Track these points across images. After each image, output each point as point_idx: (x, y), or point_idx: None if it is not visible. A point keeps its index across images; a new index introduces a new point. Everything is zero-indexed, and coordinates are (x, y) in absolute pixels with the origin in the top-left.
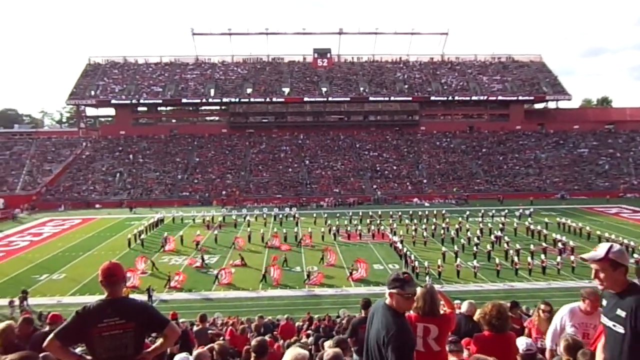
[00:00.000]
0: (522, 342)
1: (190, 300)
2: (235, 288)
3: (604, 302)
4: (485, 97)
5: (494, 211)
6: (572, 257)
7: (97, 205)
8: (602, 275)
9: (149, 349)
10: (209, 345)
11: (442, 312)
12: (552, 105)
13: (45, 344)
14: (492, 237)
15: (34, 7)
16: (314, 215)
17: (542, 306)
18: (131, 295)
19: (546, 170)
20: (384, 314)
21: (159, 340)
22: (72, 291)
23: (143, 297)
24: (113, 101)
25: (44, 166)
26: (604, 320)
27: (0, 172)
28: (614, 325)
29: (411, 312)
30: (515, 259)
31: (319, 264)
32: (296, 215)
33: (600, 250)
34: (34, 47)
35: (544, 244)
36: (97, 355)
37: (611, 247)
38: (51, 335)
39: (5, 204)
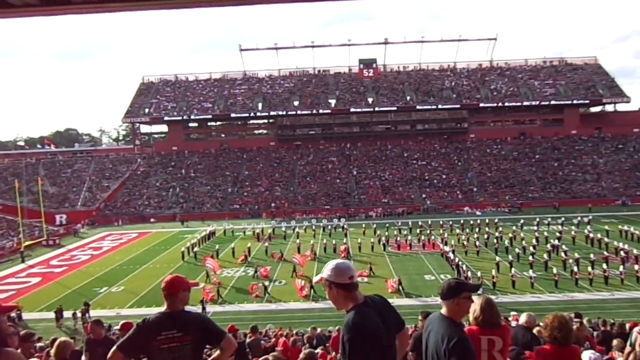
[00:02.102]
0: (586, 356)
1: (242, 312)
2: (285, 300)
3: None
4: (538, 102)
5: (549, 219)
6: (636, 267)
7: (152, 220)
8: None
9: None
10: (263, 357)
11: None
12: (609, 108)
13: (109, 355)
14: (549, 246)
15: (93, 31)
16: (363, 225)
17: None
18: (188, 307)
19: (605, 175)
20: (441, 324)
21: (216, 353)
22: (130, 303)
23: (197, 309)
24: (165, 118)
25: (103, 182)
26: None
27: (62, 189)
28: None
29: (469, 324)
30: (575, 268)
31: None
32: (345, 226)
33: None
34: (91, 69)
35: (605, 253)
36: None
37: None
38: (114, 348)
39: (68, 220)
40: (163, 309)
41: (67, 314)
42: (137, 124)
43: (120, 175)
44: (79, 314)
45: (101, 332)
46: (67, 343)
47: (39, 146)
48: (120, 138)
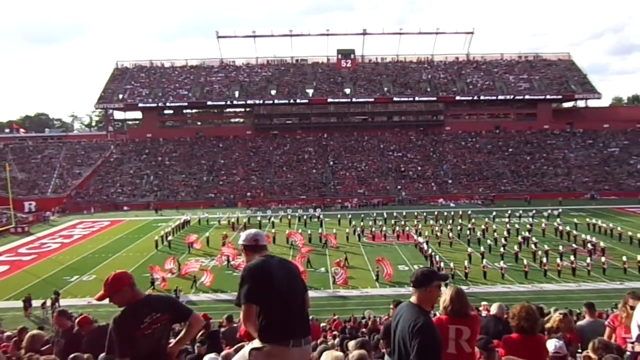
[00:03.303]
0: (551, 344)
1: (218, 301)
2: None
3: None
4: (512, 97)
5: (521, 212)
6: (603, 259)
7: (125, 208)
8: None
9: (177, 340)
10: (237, 346)
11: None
12: (581, 104)
13: None
14: (520, 238)
15: (65, 14)
16: (338, 216)
17: (631, 300)
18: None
19: (575, 170)
20: (409, 311)
21: (184, 330)
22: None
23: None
24: (140, 105)
25: (74, 169)
26: None
27: (32, 175)
28: None
29: (439, 314)
30: (544, 260)
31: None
32: (320, 216)
33: None
34: (64, 53)
35: (573, 245)
36: (137, 353)
37: None
38: None
39: (37, 207)
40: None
41: (36, 303)
42: (111, 110)
43: (93, 162)
44: (48, 303)
45: (66, 323)
46: (38, 336)
47: (7, 131)
48: (93, 124)
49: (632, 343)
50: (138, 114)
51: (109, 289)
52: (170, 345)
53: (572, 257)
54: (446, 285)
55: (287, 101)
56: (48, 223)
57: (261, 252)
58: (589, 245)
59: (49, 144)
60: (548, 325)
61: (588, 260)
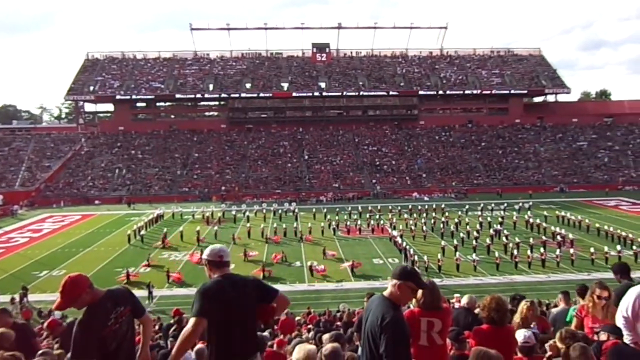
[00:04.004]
0: (520, 335)
1: (191, 295)
2: None
3: None
4: (485, 91)
5: (493, 205)
6: (572, 250)
7: (97, 202)
8: None
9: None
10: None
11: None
12: (551, 98)
13: None
14: (492, 230)
15: (33, 2)
16: (314, 210)
17: (598, 290)
18: (133, 291)
19: (545, 163)
20: (380, 304)
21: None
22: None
23: (143, 293)
24: (112, 97)
25: (43, 162)
26: None
27: None
28: None
29: (412, 306)
30: (515, 252)
31: (322, 259)
32: (296, 210)
33: None
34: (32, 43)
35: (543, 237)
36: (106, 349)
37: None
38: None
39: (4, 201)
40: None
41: (3, 298)
42: (81, 102)
43: (62, 155)
44: (17, 299)
45: (8, 321)
46: (5, 335)
47: None
48: (63, 116)
49: (597, 333)
50: (109, 107)
51: (68, 297)
52: (139, 355)
53: (541, 249)
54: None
55: (261, 94)
56: (16, 217)
57: (223, 269)
58: (558, 237)
59: (16, 136)
60: (517, 319)
61: (557, 252)
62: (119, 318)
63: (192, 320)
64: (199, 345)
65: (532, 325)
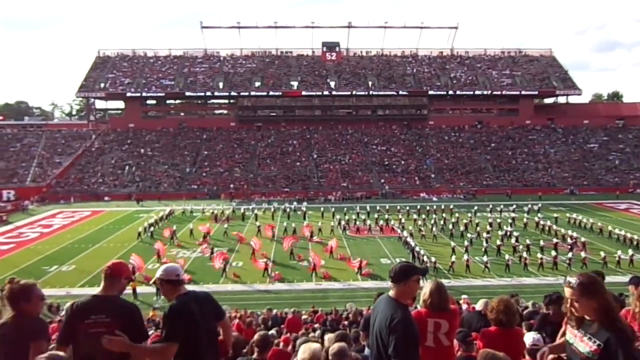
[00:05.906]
0: (529, 337)
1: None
2: (242, 281)
3: None
4: (495, 92)
5: (502, 206)
6: (583, 254)
7: (106, 198)
8: None
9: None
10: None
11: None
12: (562, 100)
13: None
14: (501, 232)
15: (46, 0)
16: (322, 209)
17: None
18: (140, 287)
19: (555, 165)
20: (387, 305)
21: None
22: (81, 283)
23: (151, 290)
24: (123, 94)
25: (54, 158)
26: None
27: (10, 164)
28: None
29: (420, 307)
30: (525, 254)
31: (328, 258)
32: (304, 209)
33: None
34: (45, 40)
35: (554, 240)
36: (79, 353)
37: None
38: (55, 345)
39: (16, 196)
40: (97, 291)
41: None
42: (92, 99)
43: (73, 152)
44: None
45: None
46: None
47: None
48: (74, 113)
49: None
50: (120, 104)
51: (114, 270)
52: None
53: (553, 252)
54: (426, 279)
55: (271, 93)
56: (27, 212)
57: (179, 287)
58: (569, 239)
59: (28, 132)
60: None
61: (569, 254)
62: (98, 325)
63: (163, 346)
64: None
65: None
